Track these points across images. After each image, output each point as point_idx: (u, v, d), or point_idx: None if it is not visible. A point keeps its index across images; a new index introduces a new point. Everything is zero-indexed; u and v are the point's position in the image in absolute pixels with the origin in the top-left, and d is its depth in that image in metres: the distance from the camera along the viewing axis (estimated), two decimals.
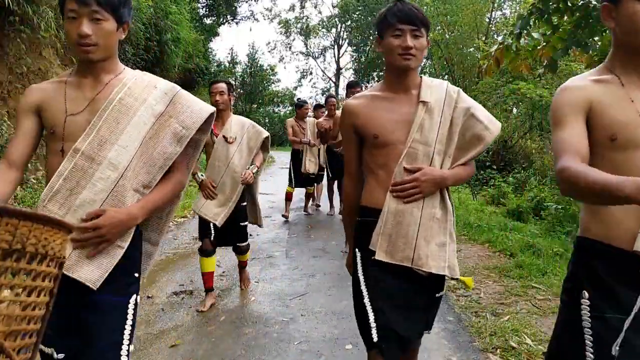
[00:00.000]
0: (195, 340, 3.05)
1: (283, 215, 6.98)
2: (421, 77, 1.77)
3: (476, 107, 1.75)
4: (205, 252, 3.62)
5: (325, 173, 7.20)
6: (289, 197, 7.09)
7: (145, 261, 1.68)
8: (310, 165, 6.82)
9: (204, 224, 3.61)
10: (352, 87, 5.40)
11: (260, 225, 4.04)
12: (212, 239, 3.60)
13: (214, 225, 3.53)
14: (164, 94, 1.57)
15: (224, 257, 4.99)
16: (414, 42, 1.65)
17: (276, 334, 3.17)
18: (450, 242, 1.70)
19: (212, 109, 1.63)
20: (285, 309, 3.60)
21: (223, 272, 4.49)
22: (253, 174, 3.67)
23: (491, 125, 1.73)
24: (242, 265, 4.07)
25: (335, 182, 7.00)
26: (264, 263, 4.83)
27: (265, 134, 3.72)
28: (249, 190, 3.83)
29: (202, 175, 3.61)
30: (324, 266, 4.74)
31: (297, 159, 6.96)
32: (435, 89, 1.73)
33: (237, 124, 3.65)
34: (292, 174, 7.08)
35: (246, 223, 3.83)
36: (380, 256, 1.64)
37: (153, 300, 3.76)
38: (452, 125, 1.70)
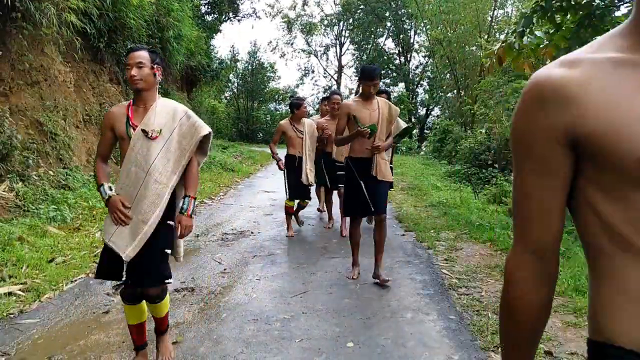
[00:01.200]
0: (196, 338, 3.05)
1: (288, 236, 5.88)
2: None
3: None
4: (128, 297, 2.56)
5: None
6: (289, 212, 5.94)
7: None
8: (311, 175, 5.75)
9: (113, 256, 2.45)
10: (372, 79, 3.92)
11: (177, 259, 2.75)
12: (122, 278, 2.48)
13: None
14: None
15: (226, 253, 5.00)
16: None
17: (277, 331, 3.17)
18: None
19: None
20: (287, 307, 3.60)
21: (224, 269, 4.49)
22: (191, 215, 2.56)
23: None
24: (159, 329, 2.76)
25: (334, 192, 6.26)
26: (265, 261, 4.83)
27: (205, 130, 2.59)
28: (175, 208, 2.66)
29: (110, 188, 2.52)
30: (325, 264, 4.74)
31: (291, 167, 5.78)
32: None
33: (164, 112, 2.54)
34: (288, 184, 5.82)
35: (169, 251, 2.60)
36: None
37: None
38: None
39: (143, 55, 2.48)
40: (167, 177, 2.50)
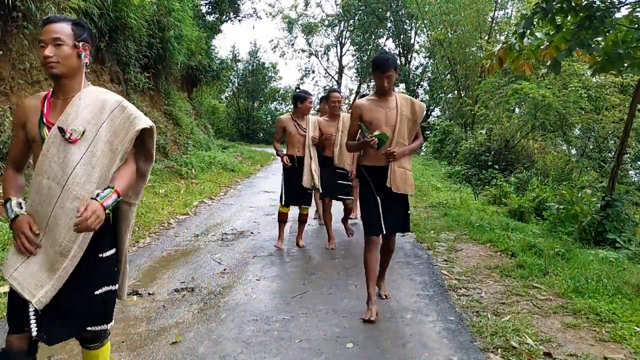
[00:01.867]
0: (196, 338, 3.06)
1: (275, 247, 5.30)
2: None
3: None
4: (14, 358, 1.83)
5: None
6: (282, 219, 5.29)
7: None
8: (316, 177, 5.08)
9: (15, 300, 1.83)
10: (384, 69, 3.27)
11: (119, 297, 2.10)
12: (32, 332, 1.79)
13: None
14: None
15: (226, 253, 5.00)
16: None
17: (277, 332, 3.17)
18: None
19: None
20: (286, 307, 3.60)
21: (224, 269, 4.49)
22: (106, 209, 1.75)
23: None
24: None
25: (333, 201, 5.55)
26: (265, 261, 4.83)
27: (143, 123, 1.89)
28: (114, 233, 2.00)
29: (19, 205, 1.89)
30: (325, 265, 4.74)
31: (291, 169, 5.09)
32: None
33: (90, 105, 1.88)
34: (284, 188, 5.21)
35: (114, 288, 1.99)
36: None
37: (154, 297, 3.77)
38: None
39: (62, 29, 1.83)
40: (91, 192, 1.80)
